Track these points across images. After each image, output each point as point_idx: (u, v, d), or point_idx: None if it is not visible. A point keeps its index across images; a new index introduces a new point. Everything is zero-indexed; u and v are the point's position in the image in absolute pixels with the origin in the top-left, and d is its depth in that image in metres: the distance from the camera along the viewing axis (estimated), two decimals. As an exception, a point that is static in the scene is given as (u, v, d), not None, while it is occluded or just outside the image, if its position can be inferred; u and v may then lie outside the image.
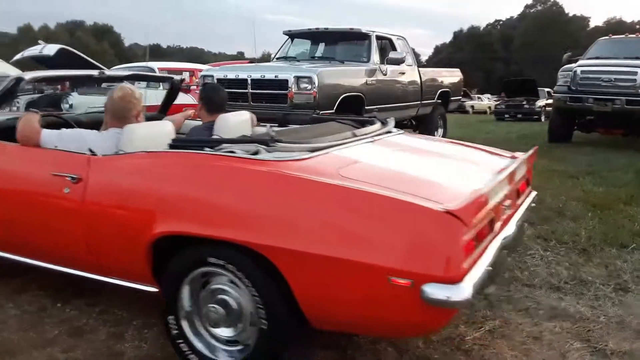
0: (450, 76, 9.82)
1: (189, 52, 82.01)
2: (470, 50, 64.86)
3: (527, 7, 68.66)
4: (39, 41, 9.19)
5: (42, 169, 2.62)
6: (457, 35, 71.79)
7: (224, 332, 2.24)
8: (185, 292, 2.26)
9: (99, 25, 78.05)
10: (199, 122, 3.50)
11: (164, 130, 2.59)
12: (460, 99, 10.48)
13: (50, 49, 8.67)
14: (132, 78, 3.70)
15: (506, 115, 21.08)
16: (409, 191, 1.96)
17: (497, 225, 2.23)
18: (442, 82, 9.39)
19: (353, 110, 6.96)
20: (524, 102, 21.03)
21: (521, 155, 2.78)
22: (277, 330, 2.07)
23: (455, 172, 2.49)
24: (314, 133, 2.66)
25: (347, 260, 1.85)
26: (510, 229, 2.35)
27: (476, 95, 34.31)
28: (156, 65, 9.93)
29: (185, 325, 2.26)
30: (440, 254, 1.78)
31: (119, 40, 78.31)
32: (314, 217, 1.96)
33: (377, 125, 3.17)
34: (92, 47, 62.49)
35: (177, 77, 4.08)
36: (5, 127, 2.88)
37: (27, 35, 61.28)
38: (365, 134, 2.87)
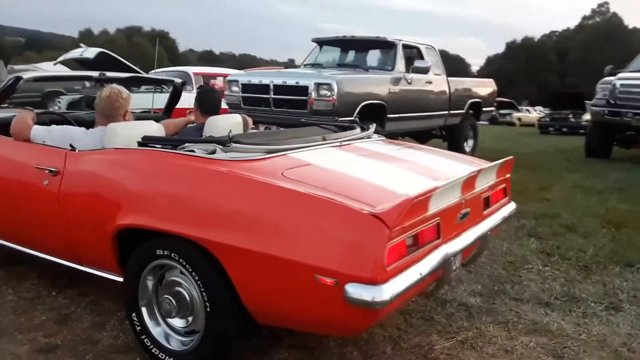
0: (483, 87, 9.67)
1: (241, 59, 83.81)
2: (523, 61, 63.33)
3: (584, 18, 66.54)
4: (81, 44, 9.68)
5: (28, 162, 2.80)
6: (510, 46, 70.23)
7: (177, 322, 2.35)
8: (146, 283, 2.37)
9: (156, 30, 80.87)
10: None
11: (147, 129, 2.71)
12: (492, 110, 10.28)
13: (91, 52, 9.12)
14: (133, 80, 3.87)
15: (551, 129, 20.50)
16: (345, 194, 1.99)
17: (448, 232, 2.23)
18: (473, 92, 9.26)
19: (374, 117, 6.97)
20: (570, 116, 20.39)
21: (485, 165, 2.75)
22: (221, 321, 2.15)
23: (405, 178, 2.49)
24: (281, 136, 2.75)
25: (278, 257, 1.91)
26: (466, 238, 2.34)
27: (524, 108, 33.48)
28: (191, 69, 10.23)
29: (145, 313, 2.38)
30: (363, 255, 1.80)
31: (174, 46, 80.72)
32: (251, 215, 2.04)
33: (356, 130, 3.21)
34: (149, 52, 64.92)
35: (178, 80, 4.23)
36: (4, 123, 3.09)
37: (87, 40, 64.31)
38: (337, 139, 2.92)
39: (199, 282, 2.16)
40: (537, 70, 61.37)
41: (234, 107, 7.39)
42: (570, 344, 2.77)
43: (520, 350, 2.71)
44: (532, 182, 7.15)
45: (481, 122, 9.87)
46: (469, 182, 2.35)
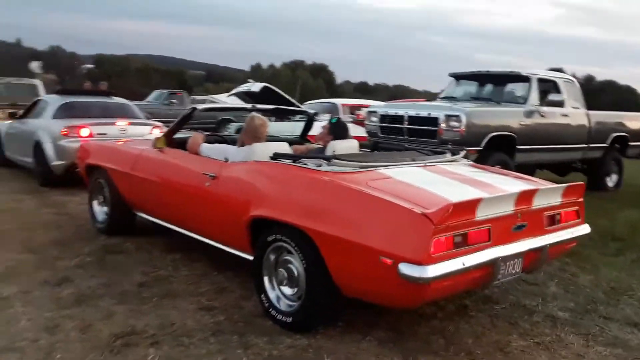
0: (631, 120, 9.31)
1: (394, 90, 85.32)
2: None
3: None
4: (249, 80, 11.32)
5: (196, 169, 3.87)
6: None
7: (287, 290, 3.20)
8: (269, 259, 3.25)
9: (317, 64, 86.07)
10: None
11: (279, 148, 3.61)
12: (643, 144, 9.77)
13: (257, 86, 10.64)
14: (276, 112, 4.87)
15: None
16: (408, 199, 2.66)
17: (500, 238, 2.76)
18: (617, 126, 8.99)
19: (504, 148, 7.27)
20: None
21: (544, 186, 3.21)
22: (316, 291, 2.95)
23: (464, 191, 2.99)
24: (375, 157, 3.56)
25: (356, 242, 2.65)
26: (520, 246, 2.85)
27: None
28: (340, 101, 11.29)
29: (266, 281, 3.27)
30: (413, 243, 2.47)
31: (332, 78, 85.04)
32: (340, 211, 2.83)
33: (446, 155, 3.79)
34: (309, 84, 69.57)
35: (311, 112, 5.15)
36: (183, 141, 4.23)
37: (256, 72, 70.69)
38: (423, 160, 3.58)
39: (303, 261, 2.96)
40: None
41: (372, 135, 8.17)
42: (642, 356, 2.99)
43: (591, 356, 3.01)
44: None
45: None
46: (523, 198, 2.83)
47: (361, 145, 7.58)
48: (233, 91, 11.82)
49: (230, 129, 11.09)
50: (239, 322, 3.25)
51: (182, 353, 2.85)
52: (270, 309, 3.20)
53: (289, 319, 3.08)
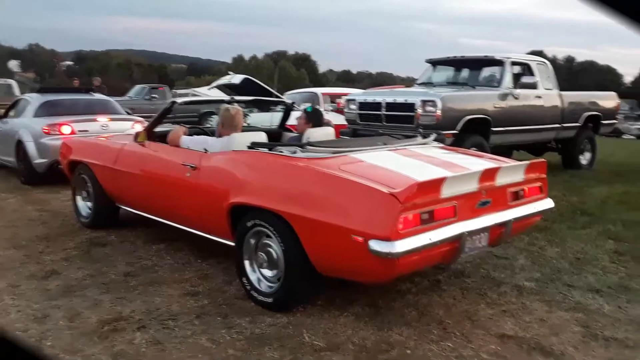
0: (603, 100, 9.56)
1: (377, 77, 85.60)
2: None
3: None
4: (229, 72, 11.41)
5: (177, 161, 4.00)
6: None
7: (267, 272, 3.36)
8: (249, 243, 3.40)
9: (299, 54, 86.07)
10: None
11: (256, 137, 3.76)
12: (614, 122, 10.05)
13: (237, 78, 10.73)
14: (254, 103, 5.01)
15: None
16: (378, 180, 2.82)
17: (465, 214, 2.93)
18: (590, 106, 9.23)
19: (480, 130, 7.46)
20: None
21: (507, 164, 3.40)
22: (294, 272, 3.10)
23: (432, 172, 3.13)
24: (348, 142, 3.68)
25: (329, 223, 2.81)
26: (485, 221, 3.03)
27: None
28: (320, 90, 11.40)
29: (247, 264, 3.41)
30: (381, 220, 2.64)
31: (315, 67, 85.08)
32: (314, 194, 2.99)
33: (417, 139, 3.95)
34: (292, 74, 69.62)
35: (289, 102, 5.29)
36: (164, 134, 4.35)
37: (239, 65, 70.52)
38: (395, 144, 3.75)
39: (281, 244, 3.12)
40: None
41: (351, 123, 8.32)
42: (604, 320, 3.21)
43: (554, 321, 3.21)
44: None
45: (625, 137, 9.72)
46: (486, 176, 3.00)
47: (342, 133, 7.76)
48: (214, 84, 11.91)
49: (213, 122, 11.18)
50: (222, 305, 3.40)
51: (168, 335, 2.99)
52: (252, 291, 3.36)
53: (270, 300, 3.24)
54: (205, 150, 3.82)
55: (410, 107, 7.26)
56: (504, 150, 7.81)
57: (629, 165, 10.59)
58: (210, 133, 4.51)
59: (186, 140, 4.09)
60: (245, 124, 4.23)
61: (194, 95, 14.71)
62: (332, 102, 11.27)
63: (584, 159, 9.35)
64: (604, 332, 3.05)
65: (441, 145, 4.13)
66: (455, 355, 2.79)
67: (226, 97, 4.94)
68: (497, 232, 3.23)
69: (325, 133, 4.08)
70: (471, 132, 7.35)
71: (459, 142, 6.76)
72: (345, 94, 10.71)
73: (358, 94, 8.95)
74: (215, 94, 11.85)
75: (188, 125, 4.32)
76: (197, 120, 13.26)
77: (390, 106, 7.59)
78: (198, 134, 4.37)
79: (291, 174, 3.18)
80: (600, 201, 6.55)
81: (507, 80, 7.87)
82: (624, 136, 21.52)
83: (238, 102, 4.65)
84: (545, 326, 3.13)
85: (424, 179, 2.75)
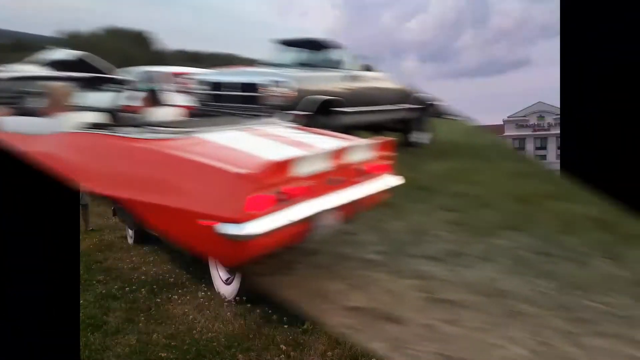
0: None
1: (224, 58, 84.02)
2: None
3: None
4: (49, 46, 10.31)
5: None
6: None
7: None
8: None
9: (138, 30, 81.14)
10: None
11: (88, 118, 3.48)
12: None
13: (68, 55, 9.75)
14: (86, 80, 4.57)
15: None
16: (225, 160, 2.70)
17: (316, 193, 2.95)
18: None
19: (330, 111, 7.63)
20: None
21: (354, 142, 3.52)
22: None
23: (282, 151, 3.11)
24: (194, 123, 3.56)
25: (175, 208, 2.65)
26: (336, 199, 3.08)
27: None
28: (162, 69, 10.86)
29: None
30: (228, 202, 2.53)
31: (157, 45, 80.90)
32: (155, 177, 2.80)
33: (266, 118, 3.92)
34: (132, 52, 65.22)
35: (128, 79, 4.94)
36: None
37: (75, 40, 64.38)
38: (245, 125, 3.66)
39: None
40: None
41: (200, 103, 7.99)
42: (439, 284, 3.47)
43: (399, 289, 3.40)
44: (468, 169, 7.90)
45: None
46: (336, 154, 3.05)
47: (191, 114, 7.37)
48: (32, 58, 10.63)
49: (38, 101, 10.10)
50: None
51: None
52: None
53: None
54: (32, 133, 3.40)
55: (254, 87, 7.18)
56: (349, 131, 8.09)
57: (460, 145, 11.68)
58: (36, 113, 4.01)
59: (7, 122, 3.58)
60: (77, 104, 3.83)
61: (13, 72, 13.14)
62: (176, 81, 10.79)
63: (420, 137, 10.07)
64: (442, 296, 3.30)
65: (292, 125, 4.12)
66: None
67: (53, 74, 4.39)
68: (348, 209, 3.29)
69: (166, 113, 3.85)
70: (322, 113, 7.49)
71: (311, 123, 6.84)
72: (189, 74, 10.31)
73: (208, 73, 8.64)
74: (33, 70, 10.62)
75: (11, 106, 3.78)
76: (19, 99, 11.82)
77: (232, 87, 7.44)
78: (21, 114, 3.85)
79: (130, 156, 2.93)
80: (435, 177, 7.11)
81: (351, 61, 8.15)
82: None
83: (67, 79, 4.19)
84: (391, 295, 3.30)
85: (274, 158, 2.69)
